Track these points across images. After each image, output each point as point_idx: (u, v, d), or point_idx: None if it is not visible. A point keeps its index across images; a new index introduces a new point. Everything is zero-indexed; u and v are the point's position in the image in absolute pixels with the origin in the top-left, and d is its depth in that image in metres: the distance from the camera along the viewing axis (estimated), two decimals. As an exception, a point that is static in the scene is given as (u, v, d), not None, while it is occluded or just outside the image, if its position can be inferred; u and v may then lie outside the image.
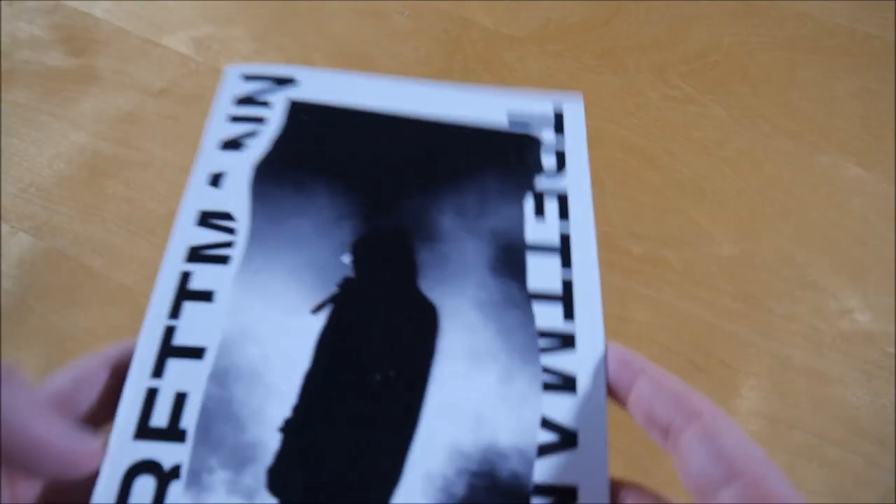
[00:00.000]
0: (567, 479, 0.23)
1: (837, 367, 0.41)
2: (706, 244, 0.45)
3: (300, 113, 0.29)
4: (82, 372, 0.23)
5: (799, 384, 0.40)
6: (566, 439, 0.23)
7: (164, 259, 0.25)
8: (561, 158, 0.29)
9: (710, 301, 0.43)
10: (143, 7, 0.54)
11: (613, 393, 0.24)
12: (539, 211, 0.28)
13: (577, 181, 0.29)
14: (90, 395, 0.22)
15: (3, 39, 0.52)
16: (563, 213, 0.28)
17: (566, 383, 0.24)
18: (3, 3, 0.54)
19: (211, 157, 0.28)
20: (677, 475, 0.21)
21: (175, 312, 0.24)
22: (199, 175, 0.28)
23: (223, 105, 0.29)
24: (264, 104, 0.29)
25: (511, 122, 0.29)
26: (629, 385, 0.23)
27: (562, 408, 0.24)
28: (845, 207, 0.47)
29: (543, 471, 0.23)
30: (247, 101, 0.29)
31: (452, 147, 0.29)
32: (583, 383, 0.24)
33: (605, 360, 0.24)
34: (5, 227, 0.44)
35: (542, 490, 0.22)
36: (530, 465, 0.23)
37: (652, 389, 0.22)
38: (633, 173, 0.47)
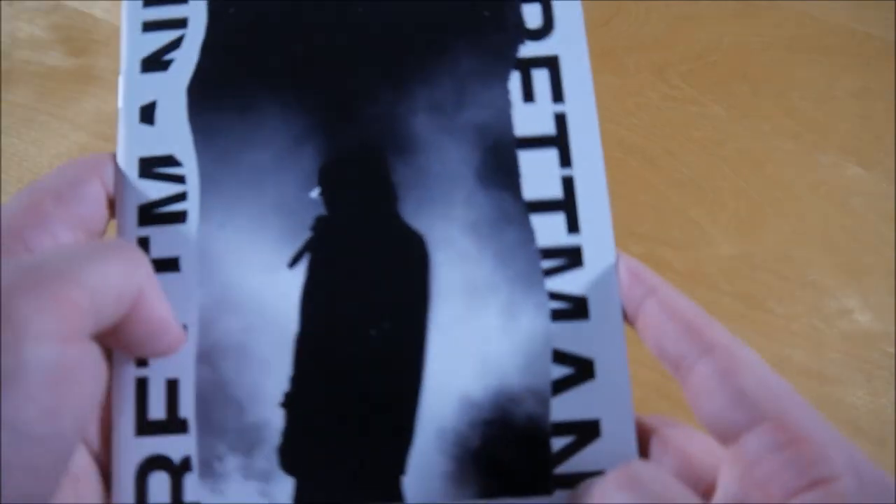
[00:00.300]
0: (588, 413, 0.21)
1: (837, 367, 0.41)
2: (706, 244, 0.45)
3: (219, 2, 0.24)
4: (74, 175, 0.21)
5: (799, 384, 0.40)
6: (582, 370, 0.21)
7: (116, 228, 0.22)
8: (547, 9, 0.24)
9: (709, 301, 0.43)
10: (143, 7, 0.54)
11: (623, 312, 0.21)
12: (527, 91, 0.23)
13: (571, 40, 0.23)
14: (86, 198, 0.21)
15: (2, 39, 0.52)
16: (556, 89, 0.23)
17: (576, 308, 0.21)
18: (2, 2, 0.54)
19: (134, 84, 0.23)
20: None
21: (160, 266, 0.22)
22: (127, 110, 0.23)
23: (131, 10, 0.24)
24: (178, 0, 0.24)
25: None
26: (639, 305, 0.21)
27: (574, 336, 0.21)
28: (845, 207, 0.47)
29: (561, 408, 0.21)
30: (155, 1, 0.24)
31: (413, 14, 0.23)
32: (595, 305, 0.21)
33: (616, 275, 0.22)
34: (5, 227, 0.44)
35: (562, 429, 0.21)
36: (546, 405, 0.21)
37: (662, 314, 0.20)
38: (632, 173, 0.47)
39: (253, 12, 0.23)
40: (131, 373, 0.21)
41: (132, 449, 0.21)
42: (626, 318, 0.21)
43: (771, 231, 0.46)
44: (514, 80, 0.23)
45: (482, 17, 0.23)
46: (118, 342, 0.20)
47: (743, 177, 0.48)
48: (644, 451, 0.21)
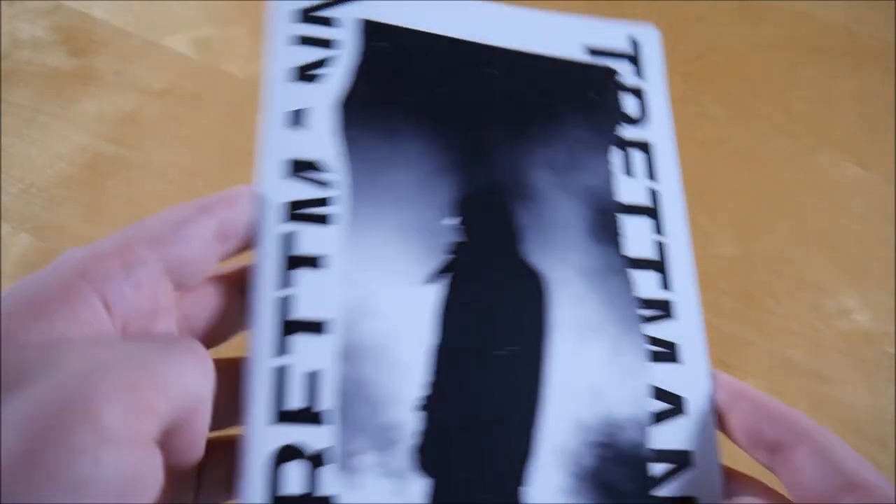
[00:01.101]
0: (681, 444, 0.23)
1: (837, 367, 0.41)
2: (706, 244, 0.45)
3: (375, 36, 0.26)
4: (179, 216, 0.20)
5: (798, 384, 0.40)
6: (675, 407, 0.24)
7: (259, 221, 0.22)
8: (640, 99, 0.28)
9: (709, 301, 0.43)
10: (144, 8, 0.54)
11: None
12: (627, 166, 0.26)
13: (661, 129, 0.27)
14: (189, 239, 0.20)
15: (3, 40, 0.52)
16: (650, 169, 0.27)
17: (670, 353, 0.24)
18: (3, 3, 0.54)
19: (284, 92, 0.24)
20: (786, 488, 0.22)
21: (286, 281, 0.22)
22: (275, 115, 0.24)
23: (281, 24, 0.25)
24: (329, 22, 0.26)
25: (588, 53, 0.28)
26: (729, 406, 0.24)
27: (667, 377, 0.24)
28: (845, 207, 0.47)
29: (657, 438, 0.23)
30: (309, 16, 0.25)
31: (535, 83, 0.27)
32: (685, 351, 0.24)
33: (703, 330, 0.25)
34: (6, 228, 0.44)
35: (658, 456, 0.23)
36: (645, 434, 0.23)
37: (757, 410, 0.23)
38: (632, 173, 0.48)
39: (405, 53, 0.26)
40: (268, 362, 0.21)
41: (266, 437, 0.21)
42: (718, 420, 0.24)
43: (771, 231, 0.46)
44: (616, 155, 0.26)
45: (591, 98, 0.27)
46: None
47: (743, 177, 0.49)
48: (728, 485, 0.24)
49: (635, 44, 0.29)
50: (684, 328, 0.25)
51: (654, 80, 0.28)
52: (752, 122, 0.51)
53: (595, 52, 0.28)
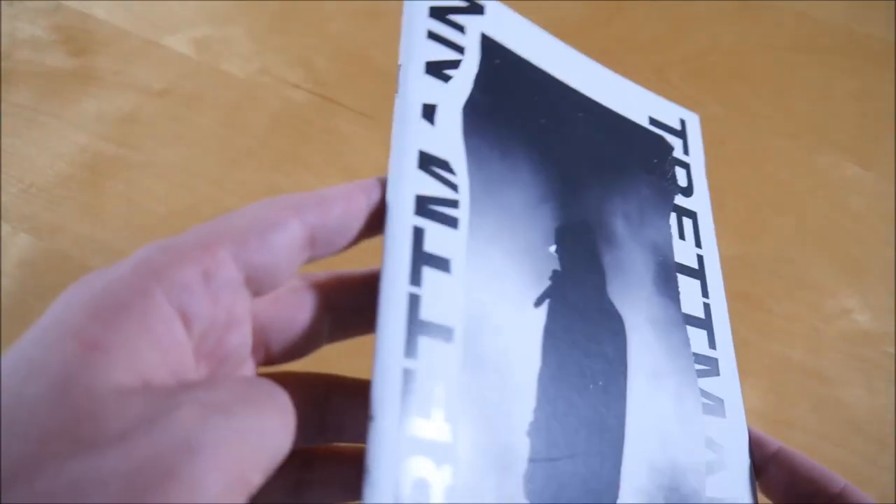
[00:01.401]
0: (730, 497, 0.24)
1: (837, 367, 0.41)
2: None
3: (493, 54, 0.25)
4: (267, 216, 0.18)
5: (798, 384, 0.40)
6: (721, 458, 0.25)
7: (390, 207, 0.21)
8: (688, 172, 0.30)
9: (709, 301, 0.43)
10: (144, 8, 0.54)
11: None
12: (680, 230, 0.28)
13: (703, 201, 0.30)
14: (277, 244, 0.18)
15: (3, 40, 0.52)
16: (696, 236, 0.29)
17: (716, 406, 0.26)
18: (3, 3, 0.54)
19: (419, 83, 0.23)
20: None
21: (417, 278, 0.20)
22: (411, 104, 0.22)
23: (419, 17, 0.24)
24: (458, 28, 0.25)
25: (650, 123, 0.30)
26: (764, 462, 0.25)
27: (716, 429, 0.25)
28: (844, 207, 0.47)
29: (711, 488, 0.24)
30: (443, 17, 0.25)
31: (611, 136, 0.28)
32: (729, 407, 0.26)
33: (740, 390, 0.27)
34: (6, 227, 0.44)
35: None
36: (703, 482, 0.24)
37: (793, 465, 0.24)
38: (632, 173, 0.48)
39: (513, 75, 0.26)
40: (399, 363, 0.19)
41: (396, 442, 0.19)
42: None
43: (771, 231, 0.46)
44: (673, 218, 0.28)
45: (653, 163, 0.29)
46: None
47: (742, 177, 0.49)
48: None
49: (683, 123, 0.31)
50: (727, 384, 0.26)
51: (697, 158, 0.31)
52: (752, 122, 0.51)
53: (655, 122, 0.30)
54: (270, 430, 0.17)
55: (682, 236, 0.28)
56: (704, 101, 0.52)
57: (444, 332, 0.20)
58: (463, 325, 0.21)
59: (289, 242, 0.18)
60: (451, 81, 0.24)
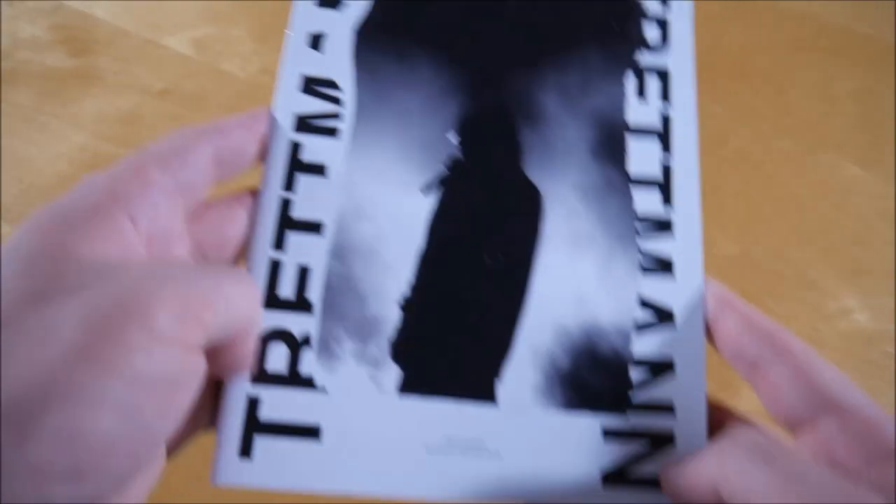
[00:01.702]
0: (664, 354, 0.24)
1: (837, 366, 0.41)
2: (706, 244, 0.45)
3: None
4: (181, 142, 0.22)
5: (798, 384, 0.40)
6: (663, 317, 0.25)
7: (271, 128, 0.25)
8: (664, 30, 0.29)
9: (709, 301, 0.43)
10: (144, 8, 0.54)
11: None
12: (641, 90, 0.28)
13: (681, 57, 0.29)
14: (193, 163, 0.22)
15: (3, 40, 0.52)
16: (665, 93, 0.28)
17: (663, 266, 0.25)
18: (3, 3, 0.54)
19: (308, 15, 0.27)
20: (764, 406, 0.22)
21: (290, 184, 0.25)
22: (297, 34, 0.27)
23: None
24: None
25: None
26: (716, 317, 0.24)
27: (658, 289, 0.25)
28: (844, 207, 0.47)
29: (641, 346, 0.24)
30: None
31: (554, 15, 0.28)
32: (680, 266, 0.25)
33: (701, 246, 0.26)
34: (6, 228, 0.44)
35: (641, 362, 0.24)
36: (628, 341, 0.24)
37: (741, 324, 0.23)
38: (632, 173, 0.48)
39: None
40: (267, 253, 0.24)
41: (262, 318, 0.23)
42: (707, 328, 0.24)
43: (770, 231, 0.46)
44: (631, 80, 0.28)
45: (611, 28, 0.28)
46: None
47: (742, 177, 0.49)
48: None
49: None
50: (682, 245, 0.26)
51: (681, 13, 0.30)
52: (752, 122, 0.51)
53: None
54: (227, 286, 0.19)
55: (641, 94, 0.28)
56: (704, 101, 0.52)
57: (314, 227, 0.24)
58: (335, 219, 0.24)
59: (201, 161, 0.22)
60: (343, 6, 0.27)
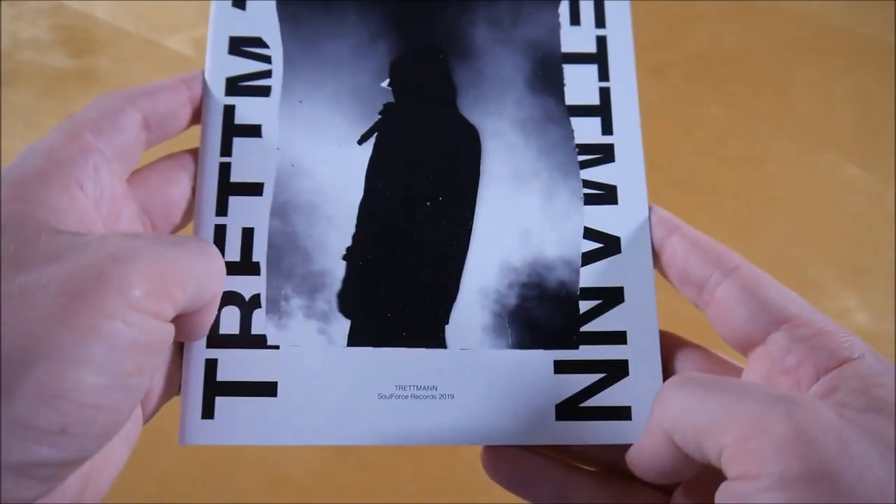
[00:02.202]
0: (613, 281, 0.24)
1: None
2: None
3: None
4: (109, 106, 0.22)
5: (798, 384, 0.40)
6: (610, 246, 0.25)
7: (204, 94, 0.25)
8: None
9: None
10: (144, 8, 0.54)
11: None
12: (574, 16, 0.27)
13: None
14: (123, 128, 0.22)
15: (4, 40, 0.52)
16: (600, 16, 0.27)
17: (607, 194, 0.25)
18: (3, 3, 0.54)
19: None
20: (714, 328, 0.22)
21: (227, 149, 0.25)
22: None
23: None
24: None
25: None
26: (662, 241, 0.24)
27: (604, 218, 0.25)
28: (844, 208, 0.47)
29: (590, 277, 0.24)
30: None
31: None
32: (623, 192, 0.25)
33: (643, 171, 0.26)
34: (7, 228, 0.44)
35: (589, 293, 0.24)
36: (576, 273, 0.24)
37: (687, 246, 0.23)
38: (632, 173, 0.48)
39: None
40: (211, 220, 0.24)
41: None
42: (653, 252, 0.24)
43: (770, 231, 0.46)
44: (564, 6, 0.27)
45: None
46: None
47: (742, 177, 0.49)
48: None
49: None
50: (624, 169, 0.26)
51: None
52: (752, 122, 0.51)
53: None
54: (199, 265, 0.20)
55: (575, 22, 0.27)
56: (704, 101, 0.52)
57: (254, 189, 0.25)
58: (273, 178, 0.25)
59: (131, 125, 0.23)
60: None
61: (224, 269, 0.23)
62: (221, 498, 0.37)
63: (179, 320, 0.21)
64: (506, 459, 0.24)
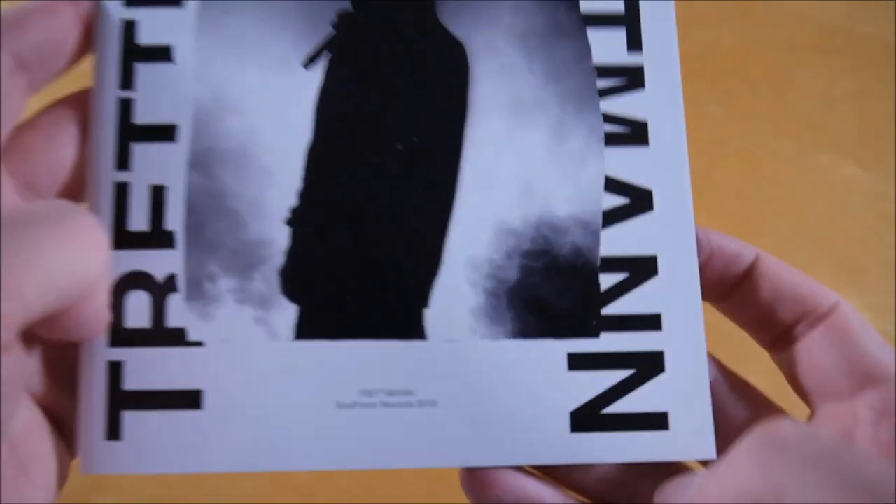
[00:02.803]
0: (644, 248, 0.19)
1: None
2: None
3: None
4: (35, 5, 0.18)
5: (798, 384, 0.41)
6: (638, 201, 0.19)
7: (96, 9, 0.19)
8: None
9: (709, 301, 0.43)
10: (144, 7, 0.54)
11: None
12: None
13: None
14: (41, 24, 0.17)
15: (3, 39, 0.52)
16: None
17: (635, 133, 0.19)
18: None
19: None
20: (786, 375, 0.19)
21: (127, 79, 0.19)
22: None
23: None
24: None
25: None
26: (725, 271, 0.19)
27: (631, 163, 0.19)
28: (844, 207, 0.47)
29: (614, 242, 0.19)
30: None
31: None
32: (656, 130, 0.20)
33: (681, 102, 0.20)
34: (6, 227, 0.44)
35: (613, 264, 0.19)
36: (595, 237, 0.19)
37: (768, 282, 0.19)
38: (632, 173, 0.48)
39: None
40: (109, 176, 0.18)
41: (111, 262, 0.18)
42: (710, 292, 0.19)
43: (769, 231, 0.46)
44: None
45: None
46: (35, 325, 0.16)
47: (742, 177, 0.49)
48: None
49: None
50: (657, 99, 0.20)
51: None
52: (752, 122, 0.51)
53: None
54: (49, 249, 0.15)
55: None
56: (704, 101, 0.52)
57: (165, 132, 0.19)
58: (191, 117, 0.19)
59: (44, 27, 0.18)
60: None
61: (101, 240, 0.16)
62: (221, 498, 0.37)
63: (55, 320, 0.16)
64: (497, 485, 0.18)
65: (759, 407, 0.20)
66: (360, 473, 0.38)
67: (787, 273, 0.19)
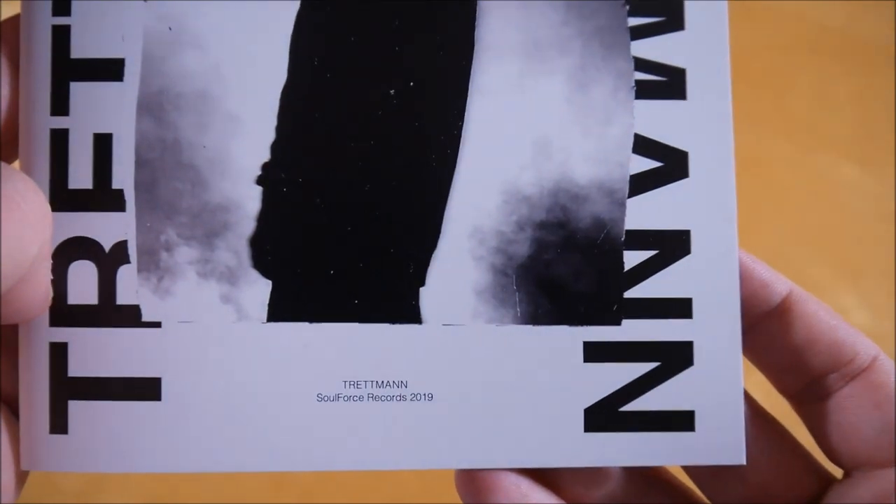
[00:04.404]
0: (677, 221, 0.16)
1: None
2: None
3: None
4: None
5: (798, 383, 0.41)
6: (672, 165, 0.17)
7: None
8: None
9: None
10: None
11: None
12: None
13: None
14: None
15: (3, 39, 0.52)
16: None
17: (671, 83, 0.17)
18: (4, 3, 0.54)
19: None
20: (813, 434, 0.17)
21: (63, 4, 0.15)
22: None
23: None
24: None
25: None
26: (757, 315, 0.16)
27: (665, 119, 0.17)
28: (843, 208, 0.48)
29: (642, 213, 0.16)
30: None
31: None
32: (696, 79, 0.17)
33: (727, 46, 0.16)
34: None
35: (640, 239, 0.16)
36: (620, 207, 0.16)
37: (802, 322, 0.17)
38: (632, 174, 0.48)
39: None
40: (44, 122, 0.15)
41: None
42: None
43: (768, 231, 0.46)
44: None
45: None
46: None
47: (741, 177, 0.49)
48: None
49: None
50: (698, 42, 0.17)
51: None
52: (751, 122, 0.51)
53: None
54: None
55: None
56: (704, 101, 0.52)
57: (109, 69, 0.15)
58: (141, 49, 0.16)
59: None
60: None
61: (46, 213, 0.14)
62: (221, 498, 0.37)
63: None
64: (498, 489, 0.16)
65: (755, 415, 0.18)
66: (361, 473, 0.38)
67: (823, 314, 0.17)
